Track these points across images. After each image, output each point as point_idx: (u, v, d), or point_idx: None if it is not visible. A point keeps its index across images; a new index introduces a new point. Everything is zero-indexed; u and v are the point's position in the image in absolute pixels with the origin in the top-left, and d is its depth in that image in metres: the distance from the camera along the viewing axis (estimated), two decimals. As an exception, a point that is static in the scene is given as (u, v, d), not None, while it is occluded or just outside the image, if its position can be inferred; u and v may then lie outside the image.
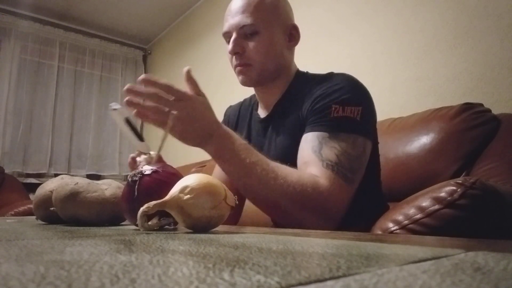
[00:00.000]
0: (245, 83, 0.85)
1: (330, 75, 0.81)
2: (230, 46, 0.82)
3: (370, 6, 1.63)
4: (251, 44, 0.81)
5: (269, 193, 0.64)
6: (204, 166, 1.99)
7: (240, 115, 0.98)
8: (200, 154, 2.47)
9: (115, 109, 0.74)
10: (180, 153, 2.96)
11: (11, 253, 0.23)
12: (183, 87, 0.64)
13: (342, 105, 0.72)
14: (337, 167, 0.67)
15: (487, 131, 0.98)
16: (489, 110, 1.04)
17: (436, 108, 1.10)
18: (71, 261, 0.20)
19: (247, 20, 0.80)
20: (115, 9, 3.06)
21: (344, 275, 0.17)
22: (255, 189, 0.65)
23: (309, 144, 0.71)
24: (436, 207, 0.56)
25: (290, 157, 0.77)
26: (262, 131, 0.88)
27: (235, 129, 0.97)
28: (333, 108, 0.72)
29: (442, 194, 0.56)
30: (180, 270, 0.18)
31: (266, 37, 0.81)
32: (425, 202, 0.58)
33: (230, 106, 1.06)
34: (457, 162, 0.96)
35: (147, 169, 0.49)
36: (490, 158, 0.93)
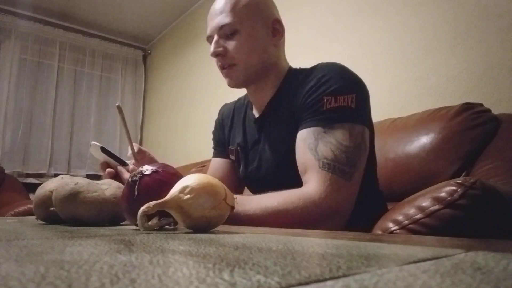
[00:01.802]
0: (232, 85, 0.84)
1: (317, 66, 0.79)
2: (211, 48, 0.81)
3: (370, 6, 1.64)
4: (232, 44, 0.80)
5: (270, 223, 0.64)
6: (204, 166, 1.99)
7: (235, 114, 0.98)
8: (200, 154, 2.48)
9: (91, 145, 0.79)
10: (180, 153, 2.96)
11: (11, 253, 0.23)
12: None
13: (334, 95, 0.71)
14: (333, 164, 0.66)
15: (487, 131, 0.98)
16: (489, 110, 1.04)
17: (436, 108, 1.10)
18: (71, 261, 0.20)
19: (225, 20, 0.79)
20: (115, 9, 3.06)
21: (344, 275, 0.17)
22: (259, 225, 0.65)
23: (305, 141, 0.71)
24: (436, 207, 0.56)
25: (285, 156, 0.77)
26: (256, 130, 0.87)
27: (229, 128, 0.97)
28: (325, 100, 0.71)
29: (442, 194, 0.56)
30: (180, 270, 0.18)
31: (247, 34, 0.80)
32: (425, 202, 0.58)
33: (225, 105, 1.06)
34: (457, 162, 0.96)
35: (147, 169, 0.49)
36: (490, 158, 0.93)
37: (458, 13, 1.30)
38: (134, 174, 0.49)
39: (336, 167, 0.66)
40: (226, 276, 0.16)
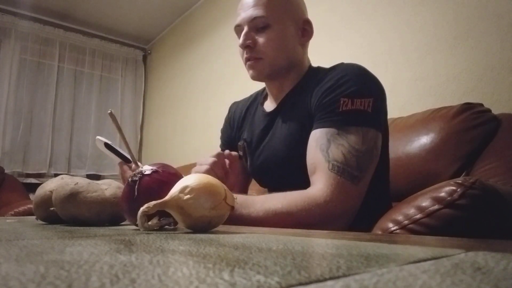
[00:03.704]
0: (255, 77, 0.84)
1: (337, 66, 0.79)
2: (241, 39, 0.81)
3: (371, 6, 1.64)
4: (262, 38, 0.80)
5: (273, 225, 0.64)
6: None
7: (248, 111, 0.97)
8: (200, 154, 2.48)
9: (97, 139, 0.79)
10: (180, 153, 2.96)
11: (11, 253, 0.23)
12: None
13: (351, 97, 0.70)
14: (343, 168, 0.66)
15: (487, 131, 0.98)
16: (489, 110, 1.04)
17: (436, 108, 1.10)
18: (71, 261, 0.20)
19: (259, 12, 0.79)
20: (115, 9, 3.06)
21: (344, 275, 0.17)
22: (262, 226, 0.65)
23: (318, 142, 0.70)
24: (436, 207, 0.56)
25: (295, 151, 0.77)
26: (267, 124, 0.87)
27: (240, 125, 0.97)
28: (342, 102, 0.70)
29: (442, 194, 0.56)
30: (180, 270, 0.18)
31: (278, 31, 0.80)
32: (425, 202, 0.58)
33: (235, 102, 1.05)
34: (457, 162, 0.96)
35: (147, 169, 0.49)
36: (490, 158, 0.93)
37: (458, 13, 1.30)
38: (134, 174, 0.49)
39: (345, 171, 0.66)
40: (226, 276, 0.16)
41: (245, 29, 0.80)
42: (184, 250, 0.26)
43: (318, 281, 0.15)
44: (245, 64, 0.84)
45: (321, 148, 0.69)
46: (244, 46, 0.81)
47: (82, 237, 0.35)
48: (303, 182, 0.69)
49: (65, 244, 0.29)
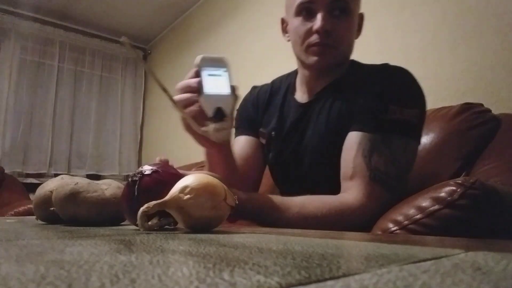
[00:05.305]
0: (321, 64, 0.77)
1: (386, 68, 0.76)
2: (320, 22, 0.73)
3: (370, 6, 1.63)
4: (340, 25, 0.75)
5: (310, 228, 0.63)
6: (204, 166, 1.99)
7: (272, 97, 0.91)
8: (200, 154, 2.47)
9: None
10: (180, 153, 2.96)
11: (11, 253, 0.23)
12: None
13: (400, 106, 0.68)
14: (384, 178, 0.66)
15: (487, 131, 0.98)
16: (489, 110, 1.04)
17: (436, 108, 1.10)
18: (71, 261, 0.20)
19: None
20: (115, 9, 3.06)
21: (344, 275, 0.17)
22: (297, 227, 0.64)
23: (360, 146, 0.68)
24: (436, 207, 0.56)
25: (329, 146, 0.75)
26: (300, 116, 0.82)
27: (264, 110, 0.91)
28: (391, 109, 0.68)
29: (442, 194, 0.56)
30: (180, 270, 0.18)
31: (354, 19, 0.77)
32: (425, 202, 0.58)
33: (257, 87, 0.98)
34: (457, 162, 0.96)
35: (147, 169, 0.49)
36: (490, 158, 0.93)
37: (458, 13, 1.30)
38: (134, 174, 0.49)
39: (386, 182, 0.66)
40: (226, 276, 0.16)
41: (323, 11, 0.74)
42: (184, 250, 0.26)
43: (318, 281, 0.15)
44: (309, 47, 0.76)
45: (363, 154, 0.67)
46: (324, 30, 0.73)
47: (82, 237, 0.35)
48: (327, 180, 0.68)
49: (65, 244, 0.29)
